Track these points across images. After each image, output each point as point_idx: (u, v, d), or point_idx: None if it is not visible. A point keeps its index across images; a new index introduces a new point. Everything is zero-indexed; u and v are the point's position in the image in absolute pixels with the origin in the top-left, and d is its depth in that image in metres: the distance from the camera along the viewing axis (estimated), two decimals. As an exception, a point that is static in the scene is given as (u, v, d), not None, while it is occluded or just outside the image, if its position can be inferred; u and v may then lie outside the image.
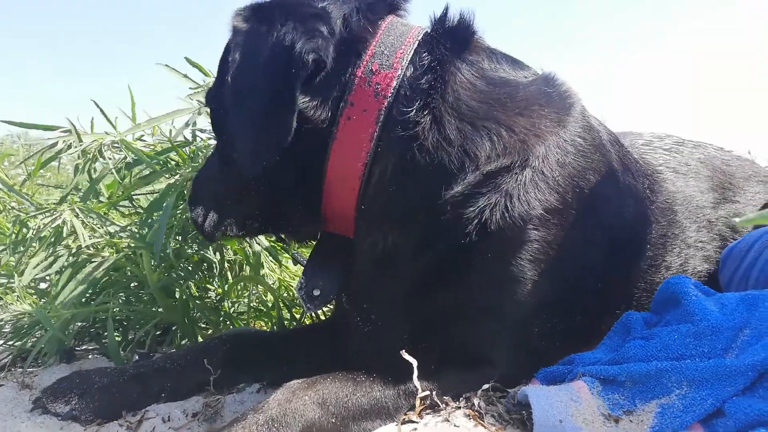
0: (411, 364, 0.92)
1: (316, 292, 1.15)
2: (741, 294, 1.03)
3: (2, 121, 1.46)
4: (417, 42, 1.06)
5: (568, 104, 1.14)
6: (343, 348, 1.22)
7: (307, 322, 1.52)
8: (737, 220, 0.43)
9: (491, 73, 1.10)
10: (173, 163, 1.42)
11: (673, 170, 1.50)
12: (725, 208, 1.52)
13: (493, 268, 1.04)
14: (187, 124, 1.48)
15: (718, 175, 1.60)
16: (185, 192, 1.34)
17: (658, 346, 0.97)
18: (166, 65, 1.46)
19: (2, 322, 1.37)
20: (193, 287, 1.33)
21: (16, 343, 1.38)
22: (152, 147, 1.48)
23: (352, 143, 1.02)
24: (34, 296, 1.28)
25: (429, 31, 1.11)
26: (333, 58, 1.01)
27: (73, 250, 1.30)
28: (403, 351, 0.91)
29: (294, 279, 1.65)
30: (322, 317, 1.53)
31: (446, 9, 1.13)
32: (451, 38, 1.09)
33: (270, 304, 1.49)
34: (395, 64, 1.03)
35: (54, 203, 1.37)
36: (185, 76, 1.49)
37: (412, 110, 1.01)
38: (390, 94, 1.02)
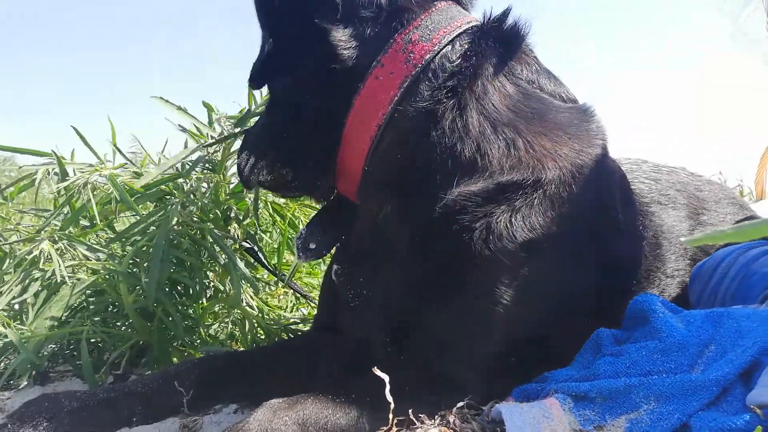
0: (384, 380, 0.93)
1: (312, 246, 1.18)
2: (707, 311, 1.06)
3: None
4: (463, 29, 1.08)
5: (594, 140, 1.13)
6: (319, 362, 1.22)
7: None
8: (683, 239, 0.45)
9: (527, 85, 1.11)
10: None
11: (657, 202, 1.52)
12: (700, 233, 1.55)
13: (482, 285, 1.03)
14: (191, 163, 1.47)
15: (693, 202, 1.63)
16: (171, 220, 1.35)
17: (627, 363, 1.00)
18: (161, 98, 1.47)
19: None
20: (170, 309, 1.33)
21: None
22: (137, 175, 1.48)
23: (373, 102, 1.04)
24: (7, 317, 1.27)
25: (480, 24, 1.11)
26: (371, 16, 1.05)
27: (48, 274, 1.30)
28: (375, 368, 0.91)
29: (273, 308, 1.67)
30: (298, 333, 1.53)
31: (507, 11, 1.14)
32: (499, 38, 1.10)
33: (246, 329, 1.49)
34: (434, 40, 1.05)
35: (33, 233, 1.36)
36: (179, 108, 1.49)
37: (438, 87, 1.03)
38: (420, 65, 1.03)
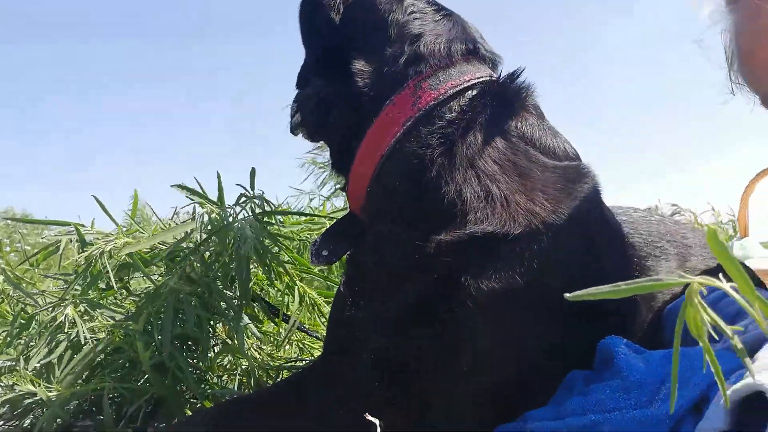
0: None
1: (324, 253, 1.32)
2: (665, 351, 1.16)
3: (6, 219, 1.61)
4: (471, 83, 1.21)
5: (576, 201, 1.18)
6: (318, 393, 1.30)
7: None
8: (567, 295, 0.55)
9: (519, 140, 1.20)
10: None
11: (653, 256, 1.55)
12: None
13: (449, 328, 1.10)
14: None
15: (681, 251, 1.65)
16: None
17: (593, 401, 1.10)
18: (179, 185, 1.62)
19: (2, 401, 1.47)
20: (182, 363, 1.45)
21: (15, 422, 1.48)
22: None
23: (380, 136, 1.19)
24: (35, 376, 1.40)
25: (489, 79, 1.25)
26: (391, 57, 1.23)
27: (73, 336, 1.43)
28: (367, 414, 1.00)
29: (277, 358, 1.79)
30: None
31: (516, 71, 1.29)
32: (501, 94, 1.23)
33: (254, 376, 1.61)
34: (441, 90, 1.18)
35: (57, 298, 1.51)
36: (193, 191, 1.63)
37: (432, 132, 1.16)
38: (423, 110, 1.17)
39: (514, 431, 1.17)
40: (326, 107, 1.31)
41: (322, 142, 1.49)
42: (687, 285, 0.55)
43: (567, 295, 0.54)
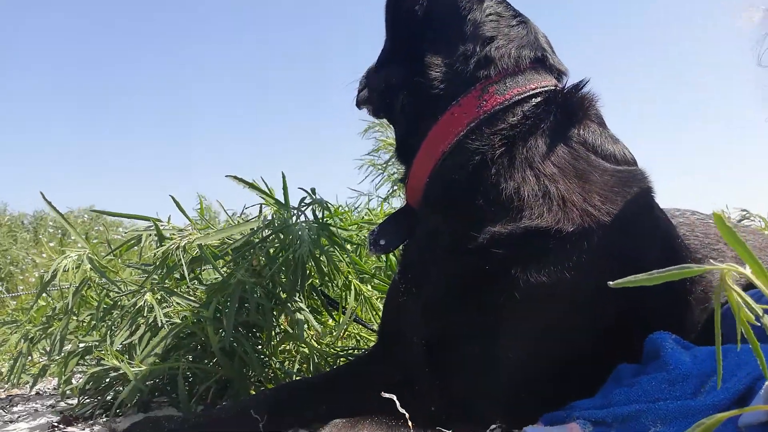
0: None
1: (382, 242, 1.40)
2: (712, 347, 1.18)
3: (96, 211, 1.78)
4: (537, 91, 1.27)
5: (630, 205, 1.21)
6: (375, 379, 1.38)
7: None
8: (611, 283, 0.59)
9: (579, 146, 1.25)
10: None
11: (708, 258, 1.56)
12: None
13: (500, 316, 1.15)
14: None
15: None
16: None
17: (639, 392, 1.13)
18: (234, 176, 1.74)
19: (88, 377, 1.63)
20: (247, 348, 1.56)
21: (98, 397, 1.64)
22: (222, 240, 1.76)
23: (444, 133, 1.26)
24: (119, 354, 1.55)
25: (554, 88, 1.30)
26: (461, 60, 1.29)
27: (150, 320, 1.57)
28: (397, 401, 1.02)
29: (334, 347, 1.88)
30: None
31: (582, 81, 1.35)
32: (564, 103, 1.29)
33: (312, 362, 1.71)
34: (507, 95, 1.25)
35: (137, 286, 1.66)
36: (251, 184, 1.77)
37: (496, 133, 1.22)
38: (487, 112, 1.23)
39: (560, 419, 1.21)
40: (395, 92, 1.38)
41: (380, 142, 1.58)
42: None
43: (610, 282, 0.58)
